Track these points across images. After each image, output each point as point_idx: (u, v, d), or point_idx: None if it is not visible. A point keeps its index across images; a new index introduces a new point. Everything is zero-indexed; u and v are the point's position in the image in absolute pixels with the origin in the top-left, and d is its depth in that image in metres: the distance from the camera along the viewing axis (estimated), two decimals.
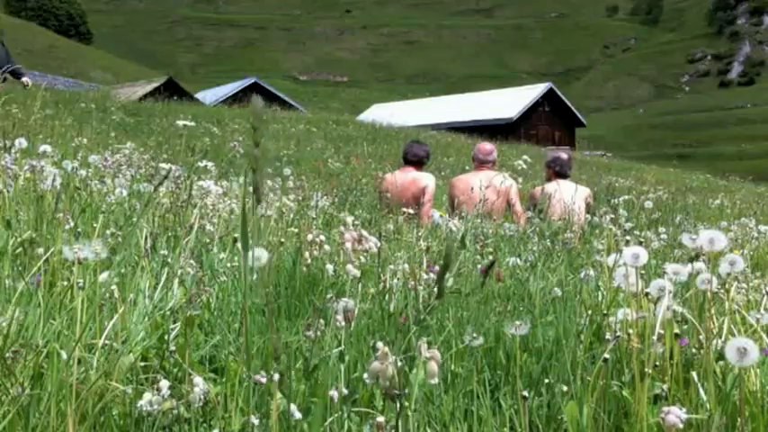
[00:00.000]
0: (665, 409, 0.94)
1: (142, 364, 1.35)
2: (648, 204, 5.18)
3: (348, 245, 1.79)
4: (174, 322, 1.42)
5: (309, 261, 2.08)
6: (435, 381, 0.97)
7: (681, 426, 0.94)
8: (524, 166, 5.32)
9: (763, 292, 1.71)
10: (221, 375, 1.43)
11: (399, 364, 0.98)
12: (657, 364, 1.27)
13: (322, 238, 2.15)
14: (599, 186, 6.45)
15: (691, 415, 1.09)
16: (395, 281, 1.93)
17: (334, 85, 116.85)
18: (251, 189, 0.73)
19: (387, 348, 0.95)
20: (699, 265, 1.37)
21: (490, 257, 2.28)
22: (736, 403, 1.19)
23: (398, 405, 0.93)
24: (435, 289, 0.93)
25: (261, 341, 1.55)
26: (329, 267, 1.93)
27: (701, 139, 78.81)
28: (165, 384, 1.05)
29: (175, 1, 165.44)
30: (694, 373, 1.28)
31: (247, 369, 0.77)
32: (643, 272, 1.38)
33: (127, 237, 1.96)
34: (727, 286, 1.49)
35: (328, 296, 1.44)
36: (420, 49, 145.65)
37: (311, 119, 18.63)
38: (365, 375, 0.96)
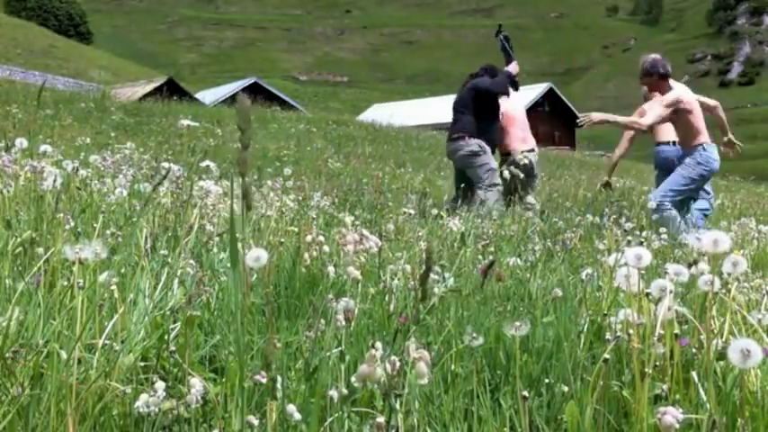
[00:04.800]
0: (662, 409, 0.94)
1: (142, 364, 1.35)
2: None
3: (349, 247, 1.78)
4: (174, 322, 1.42)
5: (309, 262, 2.08)
6: (425, 381, 0.97)
7: (677, 426, 0.93)
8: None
9: (764, 292, 1.71)
10: (221, 375, 1.43)
11: (398, 364, 0.98)
12: (658, 364, 1.27)
13: (321, 238, 2.15)
14: (599, 186, 6.45)
15: (689, 415, 1.09)
16: (395, 281, 1.93)
17: (334, 86, 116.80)
18: (240, 194, 0.72)
19: (375, 352, 0.94)
20: (701, 266, 1.36)
21: (490, 257, 2.28)
22: (737, 403, 1.19)
23: (389, 404, 0.93)
24: (436, 290, 0.93)
25: (261, 341, 1.55)
26: (330, 269, 1.93)
27: None
28: (161, 386, 1.05)
29: (175, 1, 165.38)
30: (694, 374, 1.27)
31: (241, 374, 0.77)
32: (643, 272, 1.38)
33: (127, 237, 1.96)
34: (728, 286, 1.49)
35: (329, 296, 1.44)
36: (420, 49, 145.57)
37: (311, 119, 18.61)
38: (353, 379, 0.96)
